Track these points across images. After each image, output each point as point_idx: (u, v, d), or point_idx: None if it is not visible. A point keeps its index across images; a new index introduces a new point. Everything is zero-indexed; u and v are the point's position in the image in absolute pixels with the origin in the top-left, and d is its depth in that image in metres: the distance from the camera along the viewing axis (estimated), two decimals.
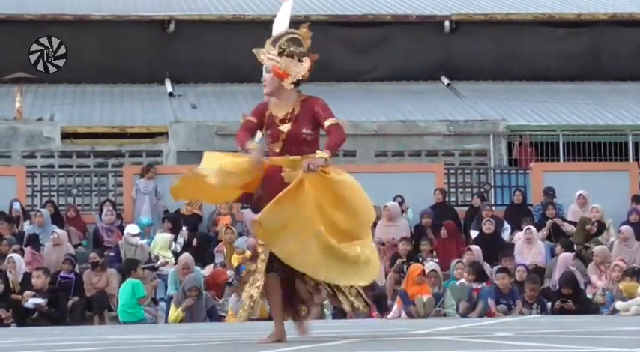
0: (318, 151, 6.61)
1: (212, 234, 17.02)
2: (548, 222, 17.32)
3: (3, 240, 16.25)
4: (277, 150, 6.56)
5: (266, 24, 18.82)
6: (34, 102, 21.98)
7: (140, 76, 23.14)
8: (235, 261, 15.48)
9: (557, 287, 15.05)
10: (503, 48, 24.15)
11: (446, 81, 24.17)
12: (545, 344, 5.74)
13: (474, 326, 9.50)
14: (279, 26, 17.31)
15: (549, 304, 14.81)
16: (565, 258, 15.69)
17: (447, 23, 24.35)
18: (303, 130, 6.59)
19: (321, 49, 6.46)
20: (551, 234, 17.24)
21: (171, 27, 23.70)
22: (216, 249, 16.30)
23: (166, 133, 20.52)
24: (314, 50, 6.78)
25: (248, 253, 15.73)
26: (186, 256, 15.43)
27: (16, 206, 17.41)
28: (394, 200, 17.56)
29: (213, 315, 14.75)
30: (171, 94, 22.92)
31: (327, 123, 6.64)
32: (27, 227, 17.15)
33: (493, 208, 17.98)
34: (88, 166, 20.12)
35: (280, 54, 6.64)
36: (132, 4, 25.39)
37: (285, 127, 6.56)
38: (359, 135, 20.98)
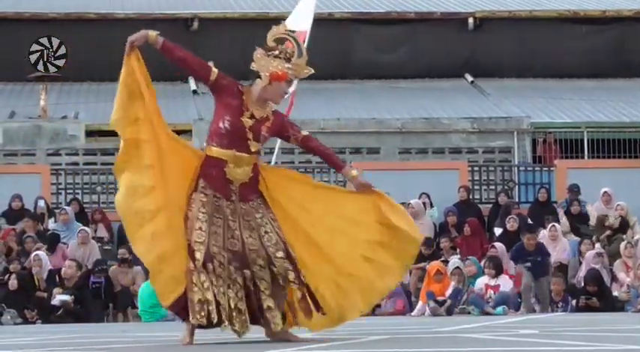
0: (351, 170, 6.50)
1: None
2: (560, 211, 17.29)
3: (28, 238, 16.34)
4: (254, 150, 6.25)
5: None
6: (59, 101, 22.07)
7: (164, 74, 23.08)
8: None
9: (583, 284, 14.99)
10: (528, 45, 24.07)
11: (470, 78, 24.12)
12: (571, 342, 5.70)
13: (499, 323, 9.46)
14: (302, 22, 17.32)
15: (574, 301, 14.76)
16: (591, 255, 15.63)
17: (470, 20, 24.30)
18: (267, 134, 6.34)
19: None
20: (574, 229, 17.21)
21: (195, 25, 23.75)
22: None
23: (190, 131, 20.56)
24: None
25: None
26: None
27: (41, 203, 17.48)
28: (419, 198, 17.53)
29: None
30: (195, 92, 22.97)
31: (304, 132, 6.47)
32: (51, 224, 17.22)
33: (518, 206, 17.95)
34: (113, 164, 20.19)
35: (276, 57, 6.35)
36: (156, 2, 25.46)
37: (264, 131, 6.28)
38: (382, 133, 20.98)
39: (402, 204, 17.51)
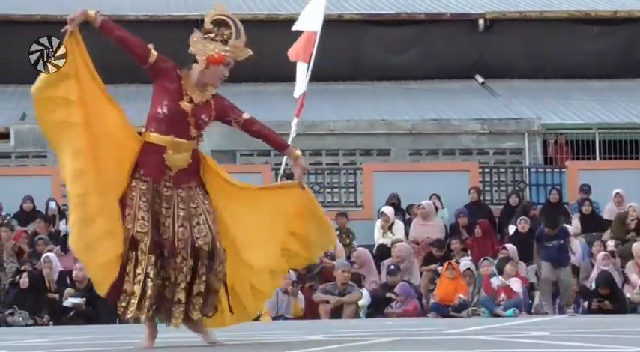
0: (294, 150, 6.45)
1: None
2: (575, 215, 17.25)
3: (39, 239, 16.37)
4: (194, 135, 6.15)
5: None
6: None
7: None
8: None
9: (594, 286, 14.95)
10: (538, 46, 24.02)
11: (480, 79, 24.08)
12: (583, 344, 5.68)
13: (510, 325, 9.44)
14: (312, 23, 17.31)
15: (585, 303, 14.74)
16: (601, 256, 15.59)
17: (481, 21, 24.26)
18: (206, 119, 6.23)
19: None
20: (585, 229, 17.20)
21: None
22: None
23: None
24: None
25: None
26: None
27: (52, 205, 17.51)
28: (429, 199, 17.51)
29: None
30: None
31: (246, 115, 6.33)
32: (62, 226, 17.24)
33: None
34: None
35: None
36: (165, 4, 25.48)
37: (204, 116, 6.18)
38: (393, 134, 20.95)
39: (412, 205, 17.65)
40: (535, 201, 19.10)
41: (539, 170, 19.90)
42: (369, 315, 14.89)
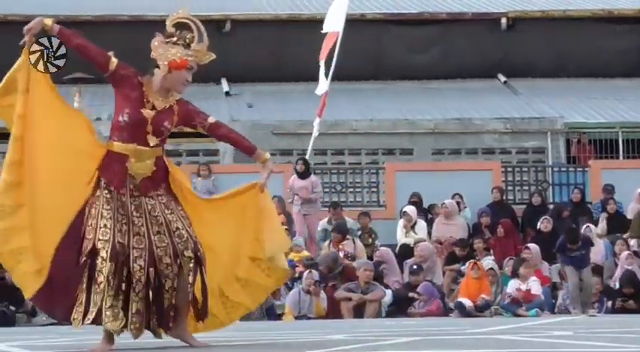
0: (263, 153, 6.33)
1: None
2: (602, 215, 17.15)
3: None
4: (152, 144, 6.06)
5: (322, 23, 18.89)
6: (93, 103, 22.17)
7: (196, 75, 22.99)
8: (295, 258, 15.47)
9: (618, 286, 14.89)
10: (561, 45, 23.94)
11: (502, 78, 24.02)
12: (606, 344, 5.65)
13: (533, 325, 9.41)
14: (334, 23, 17.26)
15: (609, 303, 14.67)
16: (624, 256, 15.52)
17: (503, 20, 24.21)
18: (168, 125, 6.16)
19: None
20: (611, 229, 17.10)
21: (227, 26, 23.78)
22: None
23: None
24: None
25: (305, 253, 15.76)
26: None
27: None
28: (452, 198, 17.47)
29: (272, 314, 14.76)
30: (227, 93, 23.01)
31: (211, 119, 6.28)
32: None
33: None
34: None
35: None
36: (188, 3, 25.51)
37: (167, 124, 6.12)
38: (415, 134, 20.94)
39: (434, 205, 17.61)
40: (558, 200, 19.03)
41: (562, 169, 19.83)
42: (391, 314, 14.84)
